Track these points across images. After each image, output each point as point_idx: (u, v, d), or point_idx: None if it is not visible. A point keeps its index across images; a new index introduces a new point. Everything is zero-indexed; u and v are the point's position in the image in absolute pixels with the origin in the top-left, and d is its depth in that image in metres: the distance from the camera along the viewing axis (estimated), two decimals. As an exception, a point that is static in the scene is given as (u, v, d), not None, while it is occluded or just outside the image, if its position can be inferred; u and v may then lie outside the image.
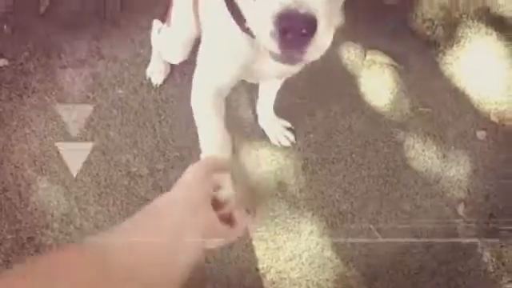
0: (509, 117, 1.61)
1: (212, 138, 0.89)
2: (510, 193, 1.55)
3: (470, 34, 1.71)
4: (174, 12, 1.27)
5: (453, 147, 1.58)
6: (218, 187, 0.64)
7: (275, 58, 0.64)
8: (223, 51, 0.92)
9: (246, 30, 0.80)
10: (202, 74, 1.00)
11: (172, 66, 1.62)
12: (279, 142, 1.57)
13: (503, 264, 1.50)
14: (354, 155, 1.58)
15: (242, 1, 0.77)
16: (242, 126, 1.57)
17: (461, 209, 1.52)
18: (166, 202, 0.55)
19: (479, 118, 1.62)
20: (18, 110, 1.56)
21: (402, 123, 1.61)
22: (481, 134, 1.59)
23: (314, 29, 0.58)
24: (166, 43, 1.42)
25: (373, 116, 1.62)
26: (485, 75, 1.67)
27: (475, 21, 1.73)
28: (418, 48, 1.69)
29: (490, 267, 1.49)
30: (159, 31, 1.47)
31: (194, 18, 1.13)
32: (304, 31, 0.57)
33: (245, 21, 0.78)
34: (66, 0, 1.71)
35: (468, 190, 1.54)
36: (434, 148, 1.58)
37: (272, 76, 1.04)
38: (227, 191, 0.65)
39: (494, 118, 1.61)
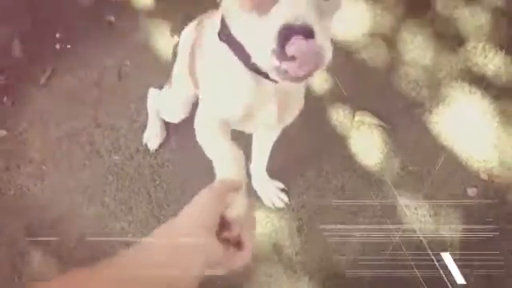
0: (497, 174, 1.64)
1: (223, 158, 0.89)
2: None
3: (454, 94, 1.78)
4: (174, 73, 1.37)
5: (445, 205, 1.60)
6: (228, 206, 0.64)
7: (279, 74, 0.69)
8: (228, 90, 0.97)
9: (251, 66, 0.83)
10: (206, 107, 1.05)
11: (168, 131, 1.67)
12: (273, 204, 1.59)
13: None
14: (348, 215, 1.59)
15: (243, 34, 0.82)
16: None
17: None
18: (176, 224, 0.57)
19: (469, 175, 1.65)
20: (15, 179, 1.59)
21: (393, 182, 1.63)
22: (471, 191, 1.61)
23: (314, 43, 0.65)
24: (167, 103, 1.50)
25: (364, 175, 1.65)
26: (471, 133, 1.71)
27: (459, 81, 1.81)
28: (404, 108, 1.75)
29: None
30: (160, 93, 1.54)
31: (191, 79, 1.20)
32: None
33: (249, 56, 0.81)
34: (66, 70, 1.79)
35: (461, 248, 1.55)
36: (427, 206, 1.60)
37: (272, 119, 1.05)
38: (236, 211, 0.64)
39: (483, 176, 1.64)
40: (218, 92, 1.00)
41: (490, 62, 1.85)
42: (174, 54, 1.42)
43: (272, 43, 0.67)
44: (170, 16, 1.90)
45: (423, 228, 1.57)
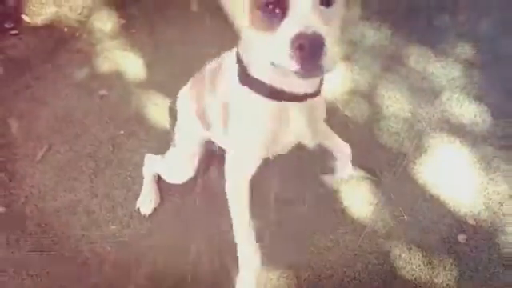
0: (484, 218, 1.70)
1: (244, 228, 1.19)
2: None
3: (434, 144, 1.87)
4: (178, 131, 1.48)
5: (437, 252, 1.64)
6: None
7: (298, 74, 0.82)
8: (251, 122, 1.10)
9: (273, 96, 0.96)
10: (235, 155, 1.20)
11: (162, 196, 1.72)
12: None
13: None
14: (344, 269, 1.62)
15: (261, 53, 0.92)
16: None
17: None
18: None
19: (457, 221, 1.70)
20: (14, 254, 1.60)
21: (386, 233, 1.68)
22: (462, 238, 1.66)
23: (323, 44, 0.78)
24: (172, 164, 1.57)
25: (357, 228, 1.69)
26: (455, 180, 1.79)
27: (437, 131, 1.90)
28: (389, 160, 1.82)
29: None
30: (163, 157, 1.60)
31: (201, 121, 1.34)
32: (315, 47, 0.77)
33: (269, 87, 0.94)
34: (61, 145, 1.85)
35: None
36: (420, 255, 1.64)
37: (307, 137, 1.18)
38: None
39: (470, 221, 1.69)
40: (246, 128, 1.13)
41: (466, 111, 1.96)
42: (172, 114, 1.51)
43: (287, 51, 0.79)
44: (161, 85, 2.01)
45: (418, 277, 1.59)
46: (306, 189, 1.73)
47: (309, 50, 0.78)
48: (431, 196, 1.75)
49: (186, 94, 1.44)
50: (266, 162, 1.23)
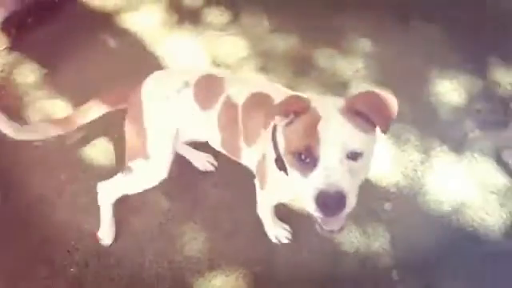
0: (403, 185, 1.94)
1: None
2: None
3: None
4: (155, 140, 1.48)
5: (369, 223, 1.85)
6: None
7: (319, 224, 1.06)
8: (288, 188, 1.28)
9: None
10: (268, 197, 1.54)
11: (118, 227, 1.81)
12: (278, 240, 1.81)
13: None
14: (289, 254, 1.78)
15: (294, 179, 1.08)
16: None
17: None
18: None
19: (381, 192, 1.93)
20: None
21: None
22: (387, 206, 1.89)
23: (345, 202, 0.94)
24: (143, 175, 1.55)
25: (297, 217, 1.87)
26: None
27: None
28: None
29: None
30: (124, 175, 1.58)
31: (226, 150, 1.51)
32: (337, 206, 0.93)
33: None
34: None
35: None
36: (355, 227, 1.84)
37: None
38: None
39: (392, 190, 1.93)
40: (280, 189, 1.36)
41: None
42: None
43: (312, 204, 0.95)
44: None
45: (358, 248, 1.80)
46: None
47: (330, 207, 0.94)
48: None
49: (185, 102, 1.44)
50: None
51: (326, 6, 2.56)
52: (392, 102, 1.02)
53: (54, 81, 2.32)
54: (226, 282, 1.72)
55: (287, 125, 1.06)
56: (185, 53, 2.40)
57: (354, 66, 2.35)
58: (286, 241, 1.80)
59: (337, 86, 2.26)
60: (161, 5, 2.60)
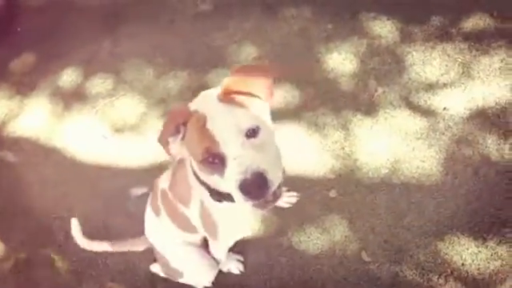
0: (340, 168, 1.96)
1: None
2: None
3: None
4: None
5: (322, 215, 1.86)
6: None
7: (255, 207, 0.99)
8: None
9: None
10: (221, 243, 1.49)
11: None
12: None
13: None
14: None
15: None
16: None
17: None
18: None
19: (323, 181, 1.94)
20: None
21: (278, 229, 1.85)
22: (333, 193, 1.90)
23: (266, 179, 0.92)
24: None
25: (255, 243, 1.85)
26: (303, 152, 2.02)
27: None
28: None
29: None
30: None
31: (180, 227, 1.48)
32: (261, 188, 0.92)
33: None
34: None
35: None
36: (311, 226, 1.84)
37: None
38: None
39: (332, 176, 1.94)
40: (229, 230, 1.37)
41: (277, 95, 2.22)
42: None
43: (240, 196, 0.93)
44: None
45: (319, 243, 1.80)
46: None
47: (255, 190, 0.92)
48: (292, 178, 1.96)
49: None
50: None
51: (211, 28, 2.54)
52: (264, 68, 1.04)
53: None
54: None
55: (182, 139, 1.04)
56: (83, 131, 2.32)
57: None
58: (237, 272, 1.82)
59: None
60: (43, 99, 2.49)
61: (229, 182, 0.95)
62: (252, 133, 0.95)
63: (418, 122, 1.99)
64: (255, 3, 2.50)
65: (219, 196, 1.15)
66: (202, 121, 0.97)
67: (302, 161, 2.01)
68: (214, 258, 1.65)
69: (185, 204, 1.35)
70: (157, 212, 1.50)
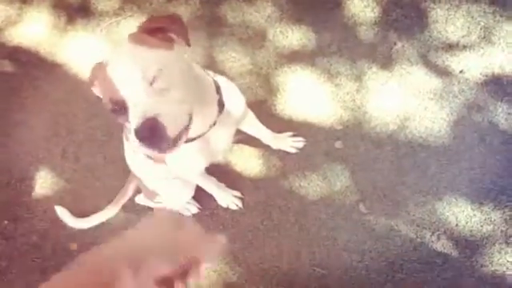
0: (347, 119, 1.95)
1: None
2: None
3: (282, 80, 2.04)
4: None
5: (325, 164, 1.86)
6: None
7: (147, 157, 0.99)
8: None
9: None
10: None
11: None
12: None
13: None
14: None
15: None
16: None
17: (363, 205, 1.79)
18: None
19: (329, 132, 1.93)
20: None
21: (280, 173, 1.86)
22: (338, 144, 1.91)
23: (161, 125, 0.88)
24: None
25: (257, 183, 1.86)
26: (312, 100, 1.99)
27: (278, 68, 2.07)
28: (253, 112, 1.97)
29: None
30: None
31: None
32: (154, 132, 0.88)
33: None
34: None
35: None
36: (312, 174, 1.85)
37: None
38: None
39: (339, 127, 1.93)
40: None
41: (292, 38, 2.15)
42: None
43: (137, 144, 0.89)
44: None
45: (319, 191, 1.82)
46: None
47: (148, 137, 0.87)
48: (301, 123, 1.94)
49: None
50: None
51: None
52: (177, 15, 1.01)
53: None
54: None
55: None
56: (87, 49, 2.22)
57: (265, 12, 2.25)
58: (235, 207, 1.85)
59: (253, 39, 2.17)
60: (44, 10, 2.35)
61: (131, 130, 0.91)
62: (155, 77, 0.90)
63: (432, 82, 1.97)
64: None
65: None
66: (104, 69, 0.93)
67: (311, 108, 1.98)
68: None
69: None
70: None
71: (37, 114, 2.14)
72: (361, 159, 1.88)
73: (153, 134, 0.87)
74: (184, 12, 2.26)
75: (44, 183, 2.03)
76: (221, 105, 1.18)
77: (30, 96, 2.17)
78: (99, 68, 0.96)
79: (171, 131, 0.89)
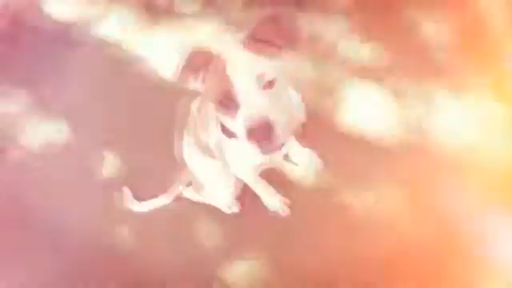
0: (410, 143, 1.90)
1: None
2: None
3: (348, 92, 2.03)
4: None
5: (382, 184, 1.83)
6: None
7: (261, 152, 1.04)
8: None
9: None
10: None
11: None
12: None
13: None
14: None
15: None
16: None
17: None
18: None
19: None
20: None
21: (331, 187, 1.86)
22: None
23: (272, 126, 0.96)
24: None
25: (306, 193, 1.87)
26: (375, 115, 1.96)
27: (345, 80, 2.07)
28: (312, 117, 1.98)
29: None
30: None
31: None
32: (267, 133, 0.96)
33: None
34: None
35: None
36: (369, 193, 1.83)
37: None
38: None
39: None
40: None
41: (363, 53, 2.13)
42: None
43: (246, 141, 0.99)
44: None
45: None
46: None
47: (262, 136, 0.97)
48: (359, 140, 1.92)
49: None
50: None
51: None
52: (290, 18, 1.06)
53: (42, 103, 2.31)
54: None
55: (202, 81, 1.10)
56: (166, 48, 2.35)
57: (337, 25, 2.26)
58: (281, 212, 1.86)
59: (324, 49, 2.18)
60: (129, 7, 2.52)
61: (238, 126, 1.01)
62: (268, 83, 1.00)
63: (507, 115, 1.87)
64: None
65: (229, 134, 1.20)
66: (222, 65, 1.01)
67: (372, 125, 1.96)
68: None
69: (205, 130, 1.44)
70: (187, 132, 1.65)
71: (114, 103, 2.29)
72: (419, 181, 1.82)
73: (263, 134, 0.97)
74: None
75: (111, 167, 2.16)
76: None
77: (108, 86, 2.33)
78: (208, 59, 1.07)
79: (280, 133, 0.99)
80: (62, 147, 2.21)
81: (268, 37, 1.02)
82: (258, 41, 1.03)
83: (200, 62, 1.08)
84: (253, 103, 0.98)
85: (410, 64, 2.03)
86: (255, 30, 1.04)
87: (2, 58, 2.46)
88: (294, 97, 1.38)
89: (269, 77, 1.00)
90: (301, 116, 1.39)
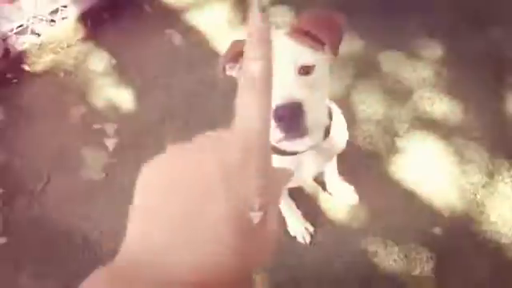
0: (459, 209, 1.73)
1: None
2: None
3: (408, 142, 1.92)
4: None
5: (413, 246, 1.68)
6: None
7: (285, 138, 0.97)
8: None
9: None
10: None
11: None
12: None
13: None
14: (322, 268, 1.68)
15: None
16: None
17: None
18: None
19: (433, 215, 1.73)
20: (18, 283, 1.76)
21: (362, 231, 1.73)
22: (438, 230, 1.70)
23: (301, 110, 0.93)
24: None
25: (336, 228, 1.76)
26: (430, 175, 1.82)
27: (410, 129, 1.96)
28: (362, 160, 1.88)
29: None
30: None
31: None
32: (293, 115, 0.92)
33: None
34: (61, 174, 2.03)
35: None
36: (396, 249, 1.68)
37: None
38: None
39: (446, 214, 1.72)
40: None
41: (437, 107, 2.01)
42: None
43: (274, 123, 0.93)
44: (150, 113, 2.16)
45: (396, 271, 1.64)
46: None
47: (286, 117, 0.93)
48: (406, 192, 1.79)
49: None
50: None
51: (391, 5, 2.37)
52: (340, 20, 1.03)
53: (121, 71, 2.43)
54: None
55: (240, 69, 1.06)
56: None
57: (419, 73, 2.15)
58: (301, 240, 1.75)
59: (398, 94, 2.08)
60: (226, 4, 2.60)
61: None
62: (305, 70, 0.97)
63: None
64: None
65: None
66: None
67: (424, 181, 1.81)
68: None
69: None
70: None
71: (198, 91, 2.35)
72: (454, 256, 1.64)
73: (290, 116, 0.93)
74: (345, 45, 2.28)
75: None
76: (326, 131, 1.17)
77: (176, 69, 2.40)
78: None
79: (309, 121, 0.95)
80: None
81: (312, 29, 0.99)
82: (303, 33, 1.00)
83: (240, 50, 1.04)
84: (286, 84, 0.95)
85: (486, 133, 1.87)
86: (300, 22, 1.01)
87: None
88: (342, 122, 1.30)
89: (309, 63, 0.98)
90: (342, 142, 1.31)
